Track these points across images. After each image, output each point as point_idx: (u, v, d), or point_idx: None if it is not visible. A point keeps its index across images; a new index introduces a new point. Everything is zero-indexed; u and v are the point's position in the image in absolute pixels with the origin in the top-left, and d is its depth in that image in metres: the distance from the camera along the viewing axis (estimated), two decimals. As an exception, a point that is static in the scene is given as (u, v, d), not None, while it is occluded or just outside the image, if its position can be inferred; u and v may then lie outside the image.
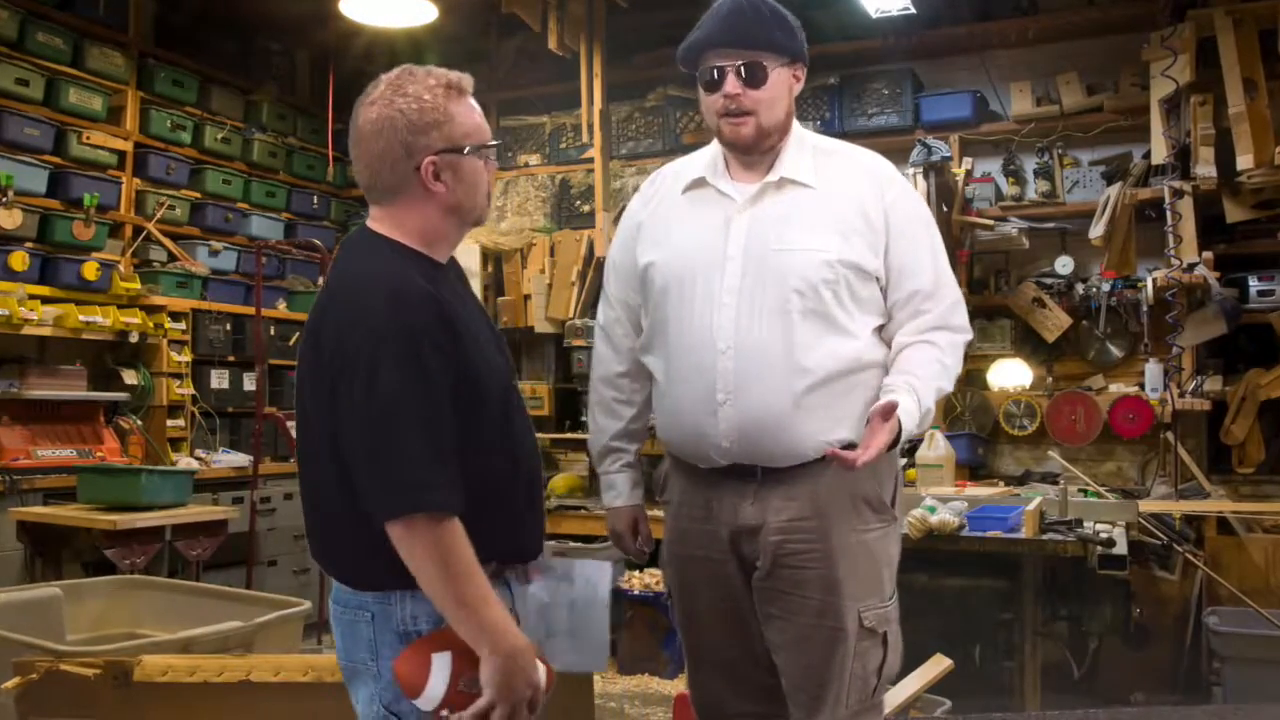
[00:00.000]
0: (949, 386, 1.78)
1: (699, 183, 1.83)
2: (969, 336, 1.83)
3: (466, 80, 1.50)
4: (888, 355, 1.79)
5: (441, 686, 1.35)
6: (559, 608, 1.69)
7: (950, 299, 1.80)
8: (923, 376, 1.72)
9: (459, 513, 1.33)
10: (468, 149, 1.46)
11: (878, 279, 1.76)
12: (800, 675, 1.76)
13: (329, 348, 1.38)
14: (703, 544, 1.82)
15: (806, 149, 1.80)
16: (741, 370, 1.72)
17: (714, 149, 1.85)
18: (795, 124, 1.82)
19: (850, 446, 1.71)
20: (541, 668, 1.40)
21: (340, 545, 1.43)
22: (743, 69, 1.72)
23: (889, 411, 1.63)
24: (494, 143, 1.52)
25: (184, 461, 4.63)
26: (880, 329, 1.79)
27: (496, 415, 1.45)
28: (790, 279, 1.71)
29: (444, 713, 1.36)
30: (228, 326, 5.06)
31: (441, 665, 1.35)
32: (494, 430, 1.45)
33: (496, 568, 1.46)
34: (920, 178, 4.30)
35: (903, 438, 1.68)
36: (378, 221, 1.48)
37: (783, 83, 1.75)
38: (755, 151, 1.79)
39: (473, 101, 1.50)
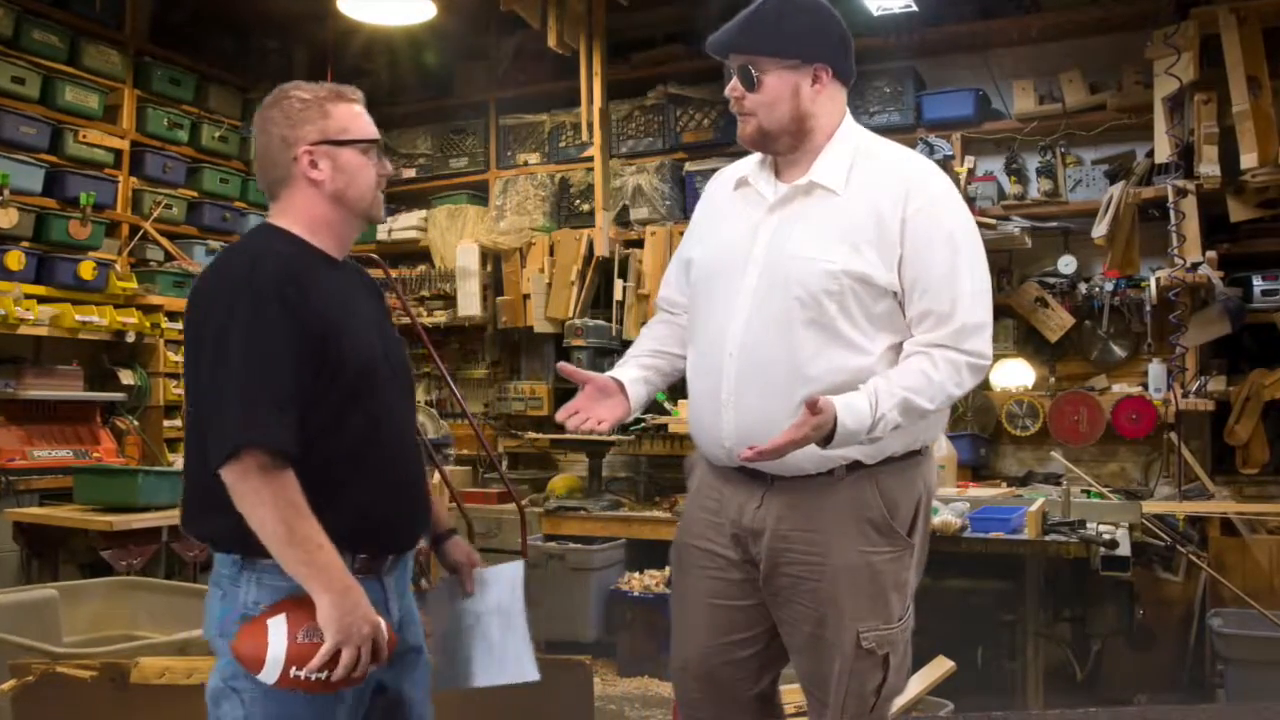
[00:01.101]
0: (930, 404, 1.64)
1: (743, 182, 1.83)
2: (983, 362, 1.69)
3: (351, 90, 1.63)
4: None
5: (281, 645, 1.40)
6: (486, 617, 1.73)
7: (964, 322, 1.66)
8: (895, 382, 1.63)
9: (292, 452, 1.41)
10: (346, 141, 1.58)
11: (895, 294, 1.68)
12: (809, 681, 1.78)
13: (190, 315, 1.53)
14: (708, 536, 1.82)
15: (848, 151, 1.74)
16: (744, 374, 1.71)
17: None
18: (846, 123, 1.77)
19: (857, 464, 1.69)
20: (381, 619, 1.45)
21: (201, 505, 1.51)
22: (737, 71, 1.73)
23: (817, 406, 1.54)
24: (373, 138, 1.62)
25: (181, 462, 4.60)
26: (900, 346, 1.71)
27: (355, 387, 1.52)
28: (794, 287, 1.68)
29: (293, 671, 1.40)
30: (225, 326, 5.04)
31: (277, 626, 1.42)
32: (350, 400, 1.52)
33: (365, 563, 1.54)
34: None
35: (841, 438, 1.57)
36: (271, 214, 1.63)
37: (784, 85, 1.71)
38: (770, 151, 1.78)
39: (358, 109, 1.63)
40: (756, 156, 1.84)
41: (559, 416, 1.80)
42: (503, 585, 1.76)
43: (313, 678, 1.41)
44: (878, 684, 1.72)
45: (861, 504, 1.70)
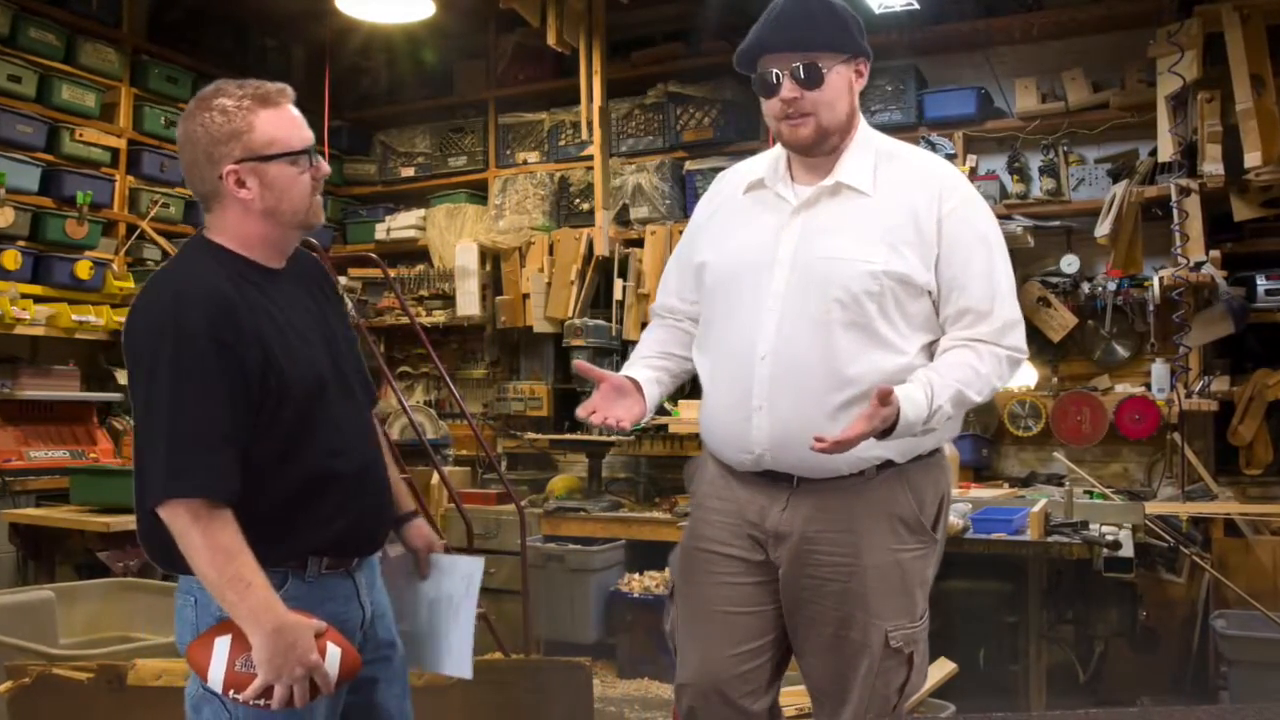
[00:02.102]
0: (977, 396, 1.67)
1: (758, 185, 1.81)
2: (1020, 356, 1.73)
3: (277, 90, 1.55)
4: None
5: (220, 668, 1.43)
6: (438, 603, 1.76)
7: (1004, 319, 1.69)
8: (946, 375, 1.64)
9: (222, 497, 1.41)
10: (272, 156, 1.51)
11: (930, 293, 1.70)
12: (824, 682, 1.76)
13: (125, 344, 1.49)
14: (721, 539, 1.79)
15: (870, 152, 1.75)
16: (778, 378, 1.69)
17: (778, 150, 1.82)
18: (862, 124, 1.78)
19: (888, 463, 1.70)
20: (335, 649, 1.46)
21: (152, 531, 1.48)
22: (800, 70, 1.68)
23: (885, 396, 1.54)
24: (300, 149, 1.54)
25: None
26: (933, 345, 1.73)
27: (303, 411, 1.50)
28: (832, 289, 1.67)
29: (231, 694, 1.44)
30: (223, 326, 5.03)
31: (221, 648, 1.44)
32: (299, 425, 1.50)
33: (333, 562, 1.54)
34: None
35: (901, 429, 1.58)
36: (207, 227, 1.58)
37: (842, 81, 1.71)
38: (817, 153, 1.75)
39: (289, 110, 1.55)
40: (764, 158, 1.83)
41: (579, 413, 1.78)
42: (457, 577, 1.77)
43: (250, 703, 1.43)
44: (902, 683, 1.73)
45: (893, 502, 1.70)
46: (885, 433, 1.57)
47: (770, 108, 1.73)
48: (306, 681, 1.43)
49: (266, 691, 1.42)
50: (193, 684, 1.51)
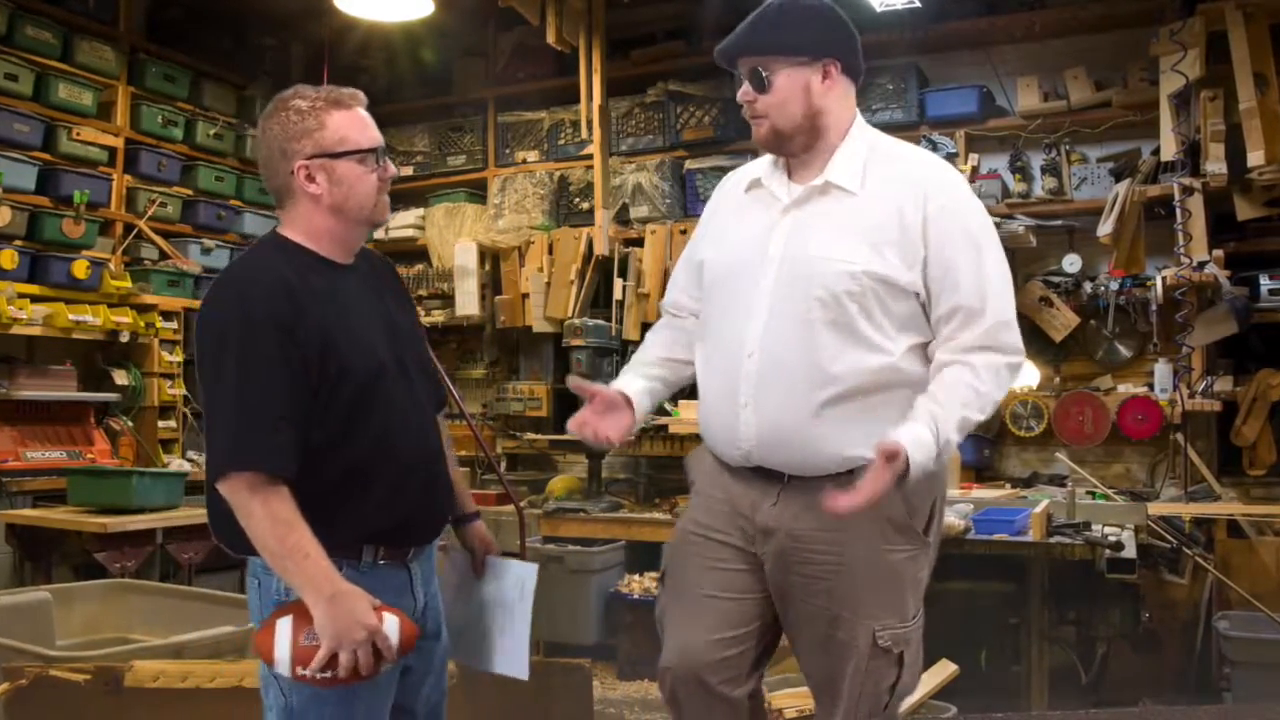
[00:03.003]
0: (981, 415, 1.67)
1: (757, 184, 1.84)
2: (1018, 359, 1.71)
3: (349, 95, 1.64)
4: (928, 373, 1.71)
5: (285, 646, 1.49)
6: (491, 605, 1.82)
7: (997, 317, 1.68)
8: (948, 404, 1.64)
9: (280, 471, 1.49)
10: (341, 153, 1.60)
11: (917, 294, 1.70)
12: (819, 680, 1.79)
13: (196, 334, 1.60)
14: (715, 525, 1.81)
15: (862, 151, 1.76)
16: (763, 375, 1.71)
17: None
18: (858, 123, 1.79)
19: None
20: (392, 617, 1.52)
21: (220, 513, 1.56)
22: (750, 74, 1.75)
23: (893, 454, 1.55)
24: (369, 148, 1.62)
25: (176, 463, 4.59)
26: (924, 346, 1.72)
27: (361, 394, 1.57)
28: (814, 288, 1.69)
29: (299, 670, 1.49)
30: (221, 326, 5.02)
31: (283, 628, 1.50)
32: (357, 408, 1.57)
33: (389, 552, 1.60)
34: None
35: (914, 472, 1.59)
36: (280, 224, 1.67)
37: (794, 84, 1.73)
38: (785, 152, 1.78)
39: (360, 113, 1.64)
40: (768, 158, 1.85)
41: (570, 426, 1.83)
42: (511, 581, 1.82)
43: (318, 677, 1.48)
44: (892, 683, 1.73)
45: (883, 502, 1.67)
46: (899, 479, 1.58)
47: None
48: (369, 646, 1.48)
49: (332, 662, 1.47)
50: (262, 666, 1.57)
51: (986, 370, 1.67)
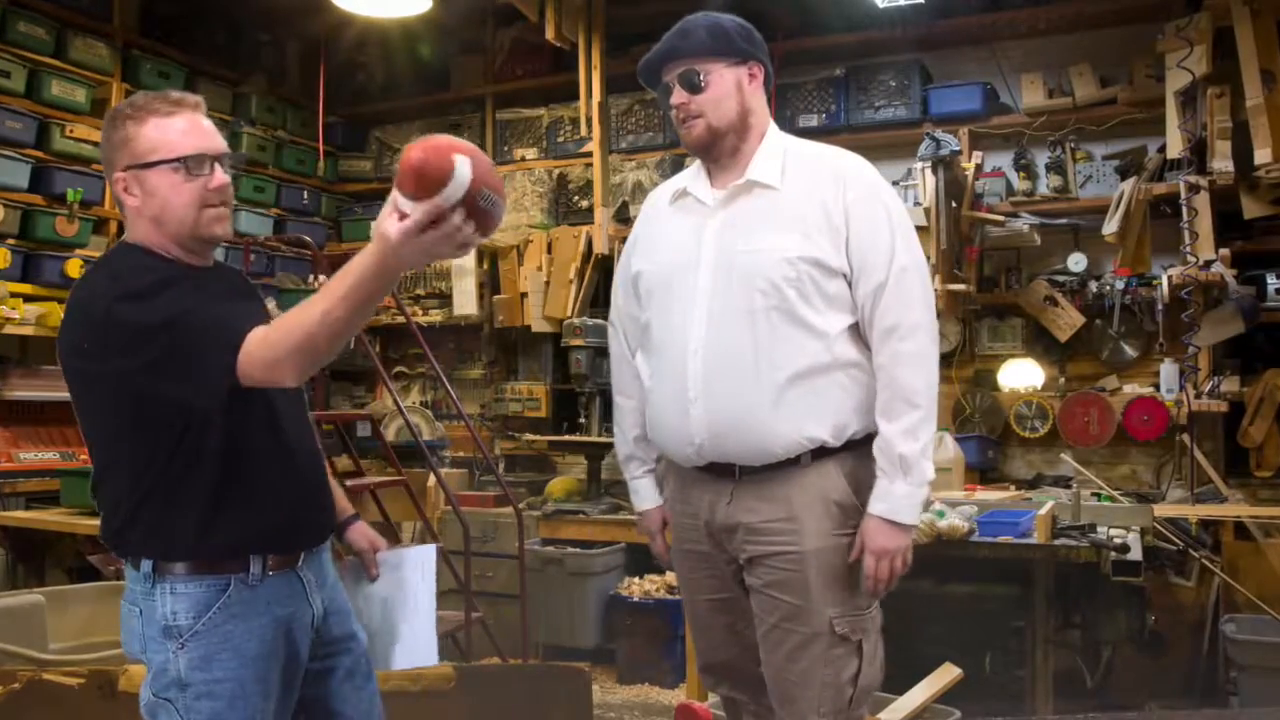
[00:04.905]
0: (933, 423, 1.79)
1: (682, 193, 1.94)
2: (930, 327, 1.81)
3: (176, 99, 1.56)
4: (862, 353, 1.82)
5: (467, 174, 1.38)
6: (394, 599, 1.81)
7: (907, 285, 1.79)
8: (893, 437, 1.75)
9: (243, 334, 1.40)
10: (153, 163, 1.52)
11: (845, 275, 1.81)
12: (773, 674, 1.84)
13: (71, 336, 1.53)
14: (691, 539, 1.93)
15: (778, 152, 1.88)
16: (710, 370, 1.80)
17: (699, 161, 1.96)
18: (771, 128, 1.92)
19: (823, 447, 1.80)
20: (462, 158, 1.40)
21: (109, 521, 1.54)
22: (683, 76, 1.86)
23: (880, 554, 1.74)
24: (179, 156, 1.52)
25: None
26: (854, 327, 1.83)
27: (237, 394, 1.45)
28: (755, 279, 1.79)
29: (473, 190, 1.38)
30: (216, 325, 4.99)
31: (463, 164, 1.38)
32: (235, 405, 1.47)
33: (277, 560, 1.54)
34: (928, 172, 4.22)
35: (910, 523, 1.77)
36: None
37: (726, 83, 1.85)
38: (716, 153, 1.88)
39: (186, 118, 1.55)
40: (690, 171, 1.97)
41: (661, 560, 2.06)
42: (410, 566, 1.83)
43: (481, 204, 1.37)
44: (853, 673, 1.80)
45: (828, 486, 1.81)
46: (906, 531, 1.77)
47: (672, 115, 1.91)
48: (459, 211, 1.37)
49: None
50: (145, 691, 1.52)
51: (916, 358, 1.78)
